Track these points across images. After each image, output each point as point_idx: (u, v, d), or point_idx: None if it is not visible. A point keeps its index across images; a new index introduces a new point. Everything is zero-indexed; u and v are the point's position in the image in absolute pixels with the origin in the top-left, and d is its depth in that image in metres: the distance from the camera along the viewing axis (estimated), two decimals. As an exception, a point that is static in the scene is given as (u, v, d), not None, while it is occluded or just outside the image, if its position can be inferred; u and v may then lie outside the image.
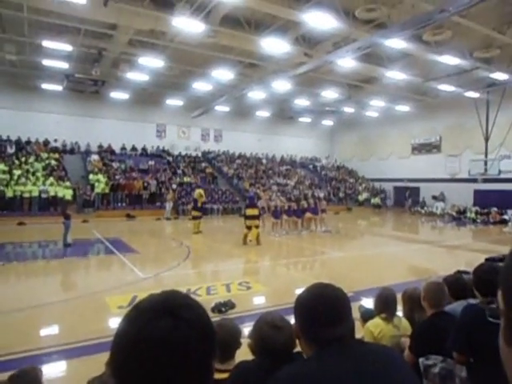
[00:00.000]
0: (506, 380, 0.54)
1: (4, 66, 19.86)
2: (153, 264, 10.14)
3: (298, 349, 1.57)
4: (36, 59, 18.21)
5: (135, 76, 20.28)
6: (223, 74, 19.53)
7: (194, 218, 15.68)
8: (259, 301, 6.99)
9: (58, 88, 22.89)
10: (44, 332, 5.35)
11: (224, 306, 5.98)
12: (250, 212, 12.73)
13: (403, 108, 26.76)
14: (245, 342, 2.08)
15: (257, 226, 12.65)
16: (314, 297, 1.27)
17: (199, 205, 16.01)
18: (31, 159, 22.05)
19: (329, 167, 34.64)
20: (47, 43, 15.66)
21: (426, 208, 26.46)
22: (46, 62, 18.34)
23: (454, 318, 2.47)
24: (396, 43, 14.36)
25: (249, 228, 12.61)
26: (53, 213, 18.41)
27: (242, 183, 27.26)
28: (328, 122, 34.61)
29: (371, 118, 30.62)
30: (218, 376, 1.92)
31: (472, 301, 2.73)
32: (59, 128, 24.69)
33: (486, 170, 22.57)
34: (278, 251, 12.88)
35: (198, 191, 16.54)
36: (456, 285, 3.07)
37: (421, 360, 2.46)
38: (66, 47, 16.13)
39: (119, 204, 22.18)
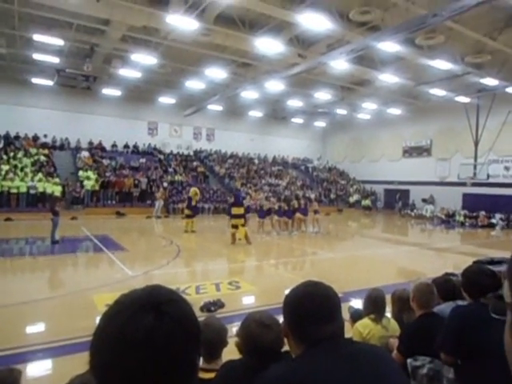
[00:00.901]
0: (495, 380, 0.53)
1: (-6, 59, 19.52)
2: (142, 262, 10.05)
3: (286, 348, 1.54)
4: (27, 53, 17.89)
5: (127, 73, 20.08)
6: (216, 73, 19.45)
7: (187, 216, 15.59)
8: (249, 300, 6.97)
9: (49, 83, 22.55)
10: (29, 329, 5.27)
11: (213, 306, 5.95)
12: (236, 211, 12.64)
13: (395, 111, 26.98)
14: (232, 341, 2.05)
15: (242, 225, 12.54)
16: (303, 294, 1.25)
17: (193, 203, 15.90)
18: (20, 154, 21.71)
19: (320, 168, 34.74)
20: (38, 37, 15.40)
21: (415, 211, 26.68)
22: (37, 56, 18.03)
23: (443, 319, 2.47)
24: (389, 46, 14.44)
25: (235, 227, 12.55)
26: (41, 209, 18.15)
27: (233, 183, 27.20)
28: (320, 124, 34.76)
29: (363, 121, 30.80)
30: (204, 376, 1.89)
31: (460, 302, 2.74)
32: (49, 123, 24.37)
33: (475, 174, 22.83)
34: (268, 251, 12.85)
35: (194, 189, 16.45)
36: (445, 286, 3.09)
37: (409, 361, 2.46)
38: (57, 42, 15.87)
39: (109, 201, 21.97)
